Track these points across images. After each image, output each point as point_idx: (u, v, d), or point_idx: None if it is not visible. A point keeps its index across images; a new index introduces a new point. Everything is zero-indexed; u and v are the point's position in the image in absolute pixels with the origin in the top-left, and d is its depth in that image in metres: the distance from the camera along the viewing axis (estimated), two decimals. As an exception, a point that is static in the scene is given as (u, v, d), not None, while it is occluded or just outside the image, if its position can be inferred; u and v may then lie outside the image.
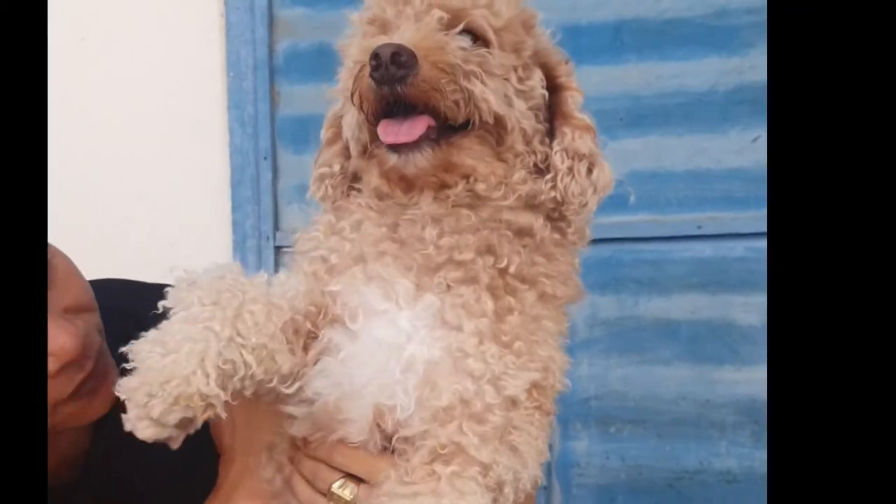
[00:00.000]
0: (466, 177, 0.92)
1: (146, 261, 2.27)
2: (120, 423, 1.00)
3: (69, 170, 2.45)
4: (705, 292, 2.22)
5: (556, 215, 0.95)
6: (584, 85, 2.24)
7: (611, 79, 2.27)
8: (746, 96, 2.18)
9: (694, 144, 2.22)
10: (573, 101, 0.97)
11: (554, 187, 0.94)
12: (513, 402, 0.88)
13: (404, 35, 0.88)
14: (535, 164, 0.95)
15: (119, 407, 1.05)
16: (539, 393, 0.91)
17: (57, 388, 0.96)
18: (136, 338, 0.87)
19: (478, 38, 0.92)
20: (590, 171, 0.95)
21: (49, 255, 0.96)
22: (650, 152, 2.25)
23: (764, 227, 2.13)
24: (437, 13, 0.91)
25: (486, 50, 0.92)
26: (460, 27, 0.91)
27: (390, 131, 0.90)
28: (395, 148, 0.90)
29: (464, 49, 0.90)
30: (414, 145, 0.90)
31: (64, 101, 2.38)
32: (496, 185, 0.92)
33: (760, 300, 2.17)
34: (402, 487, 0.85)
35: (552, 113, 0.98)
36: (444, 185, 0.93)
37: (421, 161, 0.90)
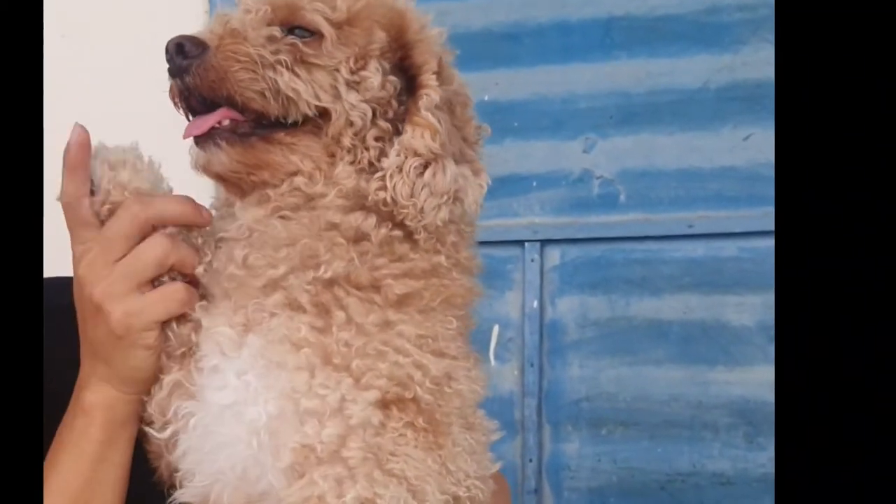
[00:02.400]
0: (293, 174, 0.89)
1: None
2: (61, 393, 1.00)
3: (54, 169, 2.45)
4: (697, 292, 2.22)
5: (398, 220, 0.89)
6: (574, 82, 2.28)
7: (601, 76, 2.27)
8: (738, 94, 2.19)
9: (685, 142, 2.23)
10: (425, 100, 0.90)
11: (383, 188, 0.87)
12: (366, 428, 0.81)
13: (206, 27, 0.89)
14: (371, 162, 0.90)
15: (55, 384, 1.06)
16: (402, 409, 0.83)
17: None
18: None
19: (314, 32, 0.90)
20: (424, 171, 0.88)
21: None
22: (641, 150, 2.25)
23: (756, 226, 2.14)
24: (262, 8, 0.89)
25: (308, 45, 0.89)
26: (294, 24, 0.90)
27: (187, 128, 0.89)
28: (196, 143, 0.89)
29: (271, 37, 0.88)
30: (208, 139, 0.88)
31: (46, 98, 2.37)
32: (319, 181, 0.89)
33: (753, 300, 2.18)
34: None
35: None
36: (268, 186, 0.90)
37: (221, 157, 0.88)
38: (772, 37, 2.13)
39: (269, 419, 0.83)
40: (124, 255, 0.89)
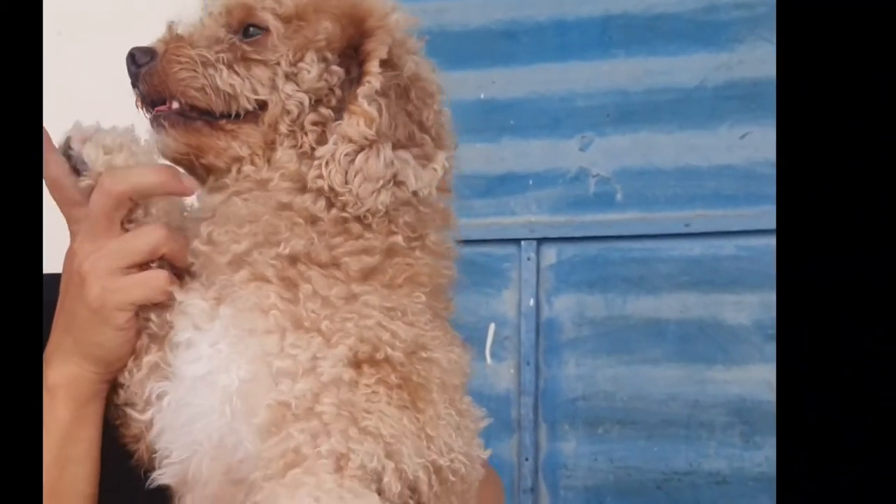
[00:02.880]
0: (238, 159, 0.93)
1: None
2: None
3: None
4: (695, 291, 2.23)
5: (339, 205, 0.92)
6: (571, 81, 2.28)
7: (599, 74, 2.28)
8: (735, 92, 2.19)
9: (683, 141, 2.23)
10: (364, 88, 0.92)
11: (321, 176, 0.90)
12: (338, 385, 0.83)
13: (160, 37, 0.95)
14: (312, 146, 0.93)
15: None
16: (374, 368, 0.85)
17: None
18: None
19: (265, 29, 0.94)
20: (355, 157, 0.91)
21: None
22: (639, 149, 2.26)
23: (754, 225, 2.15)
24: (221, 10, 0.95)
25: (257, 43, 0.93)
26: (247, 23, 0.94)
27: None
28: (152, 127, 0.95)
29: (213, 38, 0.93)
30: (155, 122, 0.94)
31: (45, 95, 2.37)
32: (263, 167, 0.93)
33: (751, 299, 2.19)
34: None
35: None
36: (219, 171, 0.94)
37: (167, 139, 0.93)
38: (770, 35, 2.13)
39: (241, 383, 0.85)
40: (111, 232, 0.93)
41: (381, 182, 0.89)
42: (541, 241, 2.32)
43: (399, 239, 0.92)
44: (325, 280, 0.88)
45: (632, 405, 2.28)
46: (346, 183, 0.89)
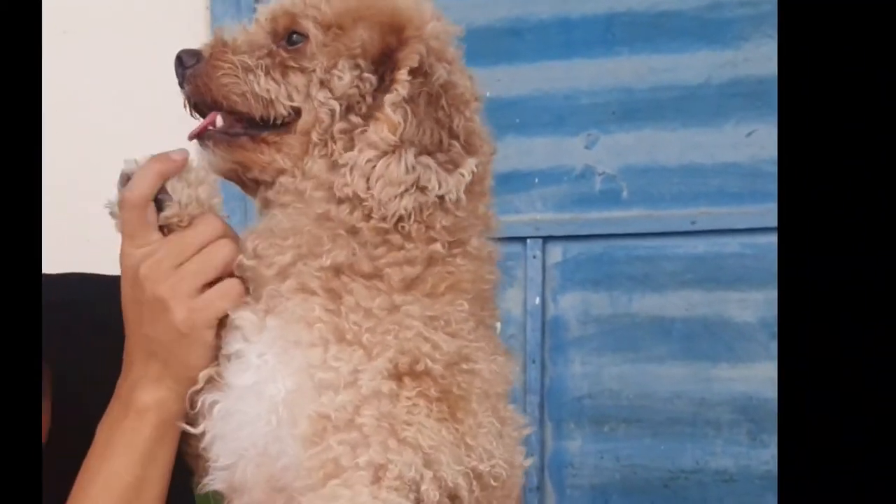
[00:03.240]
0: (282, 172, 0.96)
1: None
2: (84, 396, 1.04)
3: (55, 168, 2.45)
4: (700, 289, 2.23)
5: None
6: (576, 78, 2.28)
7: (603, 72, 2.27)
8: (741, 90, 2.19)
9: (688, 138, 2.23)
10: (390, 95, 0.94)
11: (346, 183, 0.93)
12: (378, 397, 0.86)
13: (207, 41, 0.97)
14: (341, 154, 0.95)
15: (76, 383, 1.08)
16: (415, 380, 0.87)
17: None
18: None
19: (306, 36, 0.97)
20: (377, 163, 0.93)
21: None
22: (643, 146, 2.25)
23: (759, 223, 2.14)
24: (268, 18, 0.98)
25: (295, 51, 0.96)
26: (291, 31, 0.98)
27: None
28: (199, 143, 0.98)
29: (254, 45, 0.96)
30: (201, 140, 0.98)
31: (47, 95, 2.37)
32: (298, 176, 0.95)
33: (756, 296, 2.18)
34: None
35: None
36: (266, 184, 0.97)
37: (213, 158, 0.97)
38: (774, 32, 2.13)
39: (287, 394, 0.87)
40: (149, 232, 0.95)
41: (402, 187, 0.91)
42: (546, 239, 2.32)
43: (438, 246, 0.93)
44: (368, 291, 0.90)
45: (637, 403, 2.28)
46: (368, 188, 0.91)
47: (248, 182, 0.98)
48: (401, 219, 0.92)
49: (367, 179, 0.91)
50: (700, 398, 2.23)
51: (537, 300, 2.33)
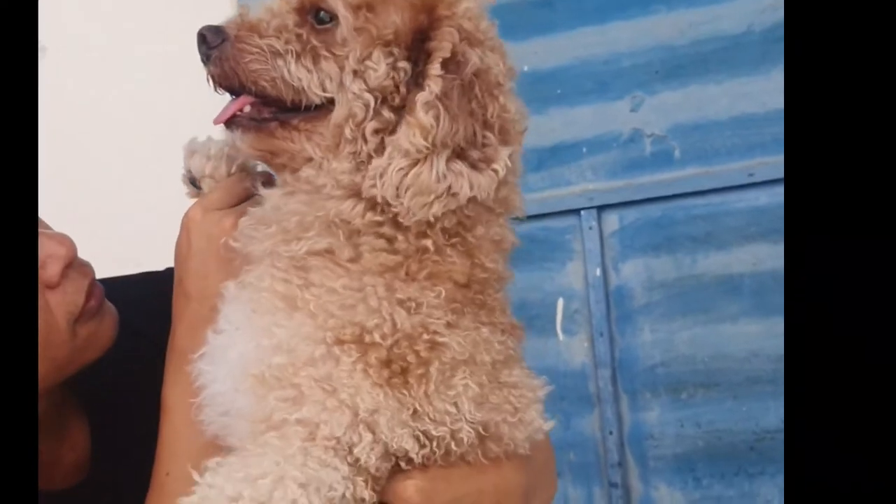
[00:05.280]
0: (309, 160, 0.95)
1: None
2: (120, 430, 1.08)
3: (82, 173, 2.55)
4: (765, 241, 2.21)
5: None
6: (614, 42, 2.28)
7: (642, 32, 2.27)
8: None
9: (736, 89, 2.21)
10: (423, 94, 0.92)
11: (375, 187, 0.92)
12: (317, 361, 0.88)
13: (231, 19, 0.96)
14: (370, 154, 0.94)
15: (114, 417, 1.12)
16: (359, 348, 0.89)
17: (69, 296, 1.01)
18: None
19: (333, 18, 0.95)
20: (409, 171, 0.92)
21: None
22: (691, 103, 2.25)
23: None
24: None
25: (326, 34, 0.94)
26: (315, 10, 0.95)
27: (219, 113, 0.97)
28: (226, 127, 0.97)
29: (283, 28, 0.94)
30: (231, 126, 0.96)
31: (78, 97, 2.46)
32: (323, 172, 0.94)
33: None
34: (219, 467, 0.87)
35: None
36: (292, 169, 0.97)
37: (241, 143, 0.97)
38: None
39: (238, 356, 0.91)
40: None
41: (432, 196, 0.91)
42: (601, 208, 2.33)
43: (429, 243, 0.94)
44: (335, 272, 0.92)
45: (714, 366, 2.27)
46: (398, 196, 0.91)
47: (275, 165, 0.99)
48: (428, 224, 0.94)
49: (397, 188, 0.91)
50: (778, 354, 2.21)
51: (598, 271, 2.33)
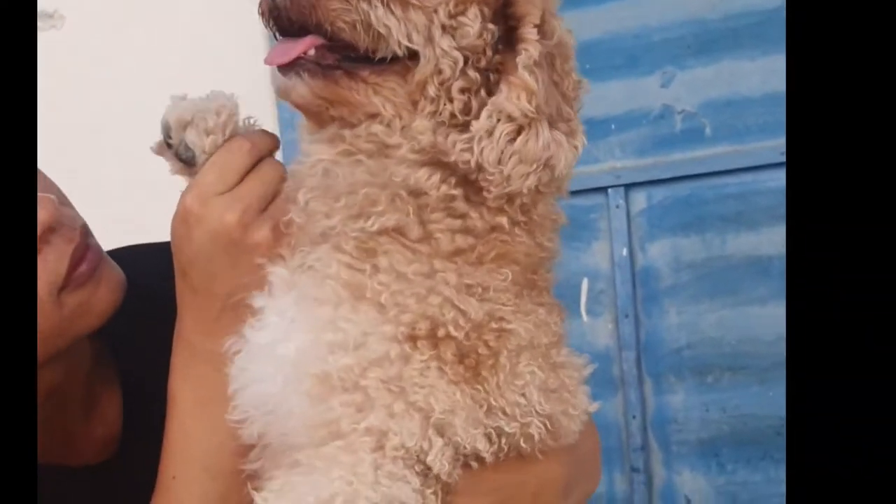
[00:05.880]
0: (373, 116, 0.88)
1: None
2: (153, 406, 1.02)
3: (109, 155, 2.54)
4: (797, 222, 2.20)
5: (473, 180, 0.89)
6: (645, 15, 2.25)
7: (673, 5, 2.24)
8: (822, 7, 2.15)
9: (768, 65, 2.18)
10: (524, 55, 0.87)
11: (470, 150, 0.87)
12: (387, 361, 0.84)
13: None
14: (453, 115, 0.89)
15: (146, 391, 1.07)
16: (432, 344, 0.85)
17: (50, 264, 0.95)
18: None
19: None
20: (516, 137, 0.87)
21: None
22: (723, 79, 2.22)
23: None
24: None
25: None
26: None
27: (271, 52, 0.88)
28: (280, 70, 0.89)
29: None
30: (291, 69, 0.88)
31: (106, 81, 2.45)
32: (397, 131, 0.88)
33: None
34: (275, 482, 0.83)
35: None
36: (346, 122, 0.90)
37: (301, 88, 0.88)
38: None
39: (296, 353, 0.85)
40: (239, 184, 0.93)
41: (535, 165, 0.86)
42: (628, 186, 2.30)
43: (504, 220, 0.90)
44: (405, 256, 0.87)
45: (741, 349, 2.25)
46: (500, 163, 0.86)
47: (325, 116, 0.91)
48: (509, 199, 0.89)
49: (501, 153, 0.86)
50: (807, 338, 2.20)
51: (625, 251, 2.31)
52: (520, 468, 0.90)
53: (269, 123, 2.41)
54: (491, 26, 0.89)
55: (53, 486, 1.02)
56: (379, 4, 0.85)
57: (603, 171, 2.31)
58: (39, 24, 2.57)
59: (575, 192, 2.33)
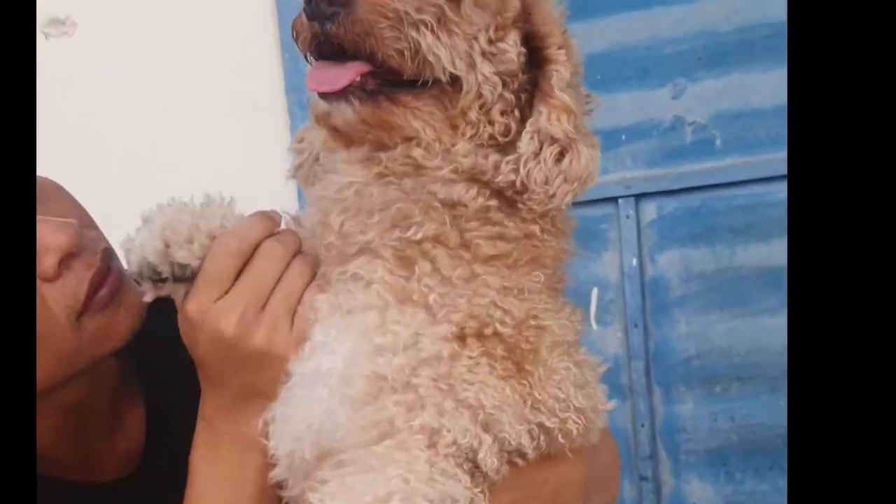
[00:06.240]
0: (409, 139, 0.89)
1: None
2: (176, 421, 1.04)
3: (119, 160, 2.55)
4: (807, 234, 2.20)
5: (510, 195, 0.91)
6: (656, 27, 2.26)
7: (686, 16, 2.25)
8: (834, 21, 2.15)
9: (781, 78, 2.17)
10: (557, 77, 0.90)
11: (515, 171, 0.89)
12: (438, 360, 0.85)
13: None
14: (492, 136, 0.91)
15: (169, 407, 1.09)
16: (480, 341, 0.87)
17: (68, 289, 0.95)
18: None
19: None
20: (560, 157, 0.90)
21: (39, 183, 0.97)
22: (734, 91, 2.22)
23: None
24: None
25: (446, 5, 0.88)
26: None
27: (315, 76, 0.87)
28: (323, 95, 0.88)
29: None
30: (340, 95, 0.87)
31: (116, 86, 2.48)
32: (437, 154, 0.90)
33: (867, 239, 2.15)
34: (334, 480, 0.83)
35: (532, 88, 0.93)
36: (382, 145, 0.90)
37: (348, 114, 0.88)
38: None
39: (343, 360, 0.86)
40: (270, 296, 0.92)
41: (576, 184, 0.89)
42: (639, 196, 2.31)
43: (537, 229, 0.92)
44: (450, 260, 0.89)
45: (750, 360, 2.25)
46: (546, 183, 0.89)
47: (357, 139, 0.91)
48: (549, 211, 0.92)
49: (547, 174, 0.89)
50: (816, 349, 2.20)
51: (634, 261, 2.32)
52: (543, 467, 0.91)
53: (280, 119, 2.44)
54: (522, 49, 0.91)
55: (74, 502, 1.04)
56: (428, 33, 0.86)
57: (613, 182, 2.32)
58: (51, 30, 2.59)
59: (585, 202, 2.36)
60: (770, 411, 2.25)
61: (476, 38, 0.89)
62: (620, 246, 2.33)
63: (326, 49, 0.87)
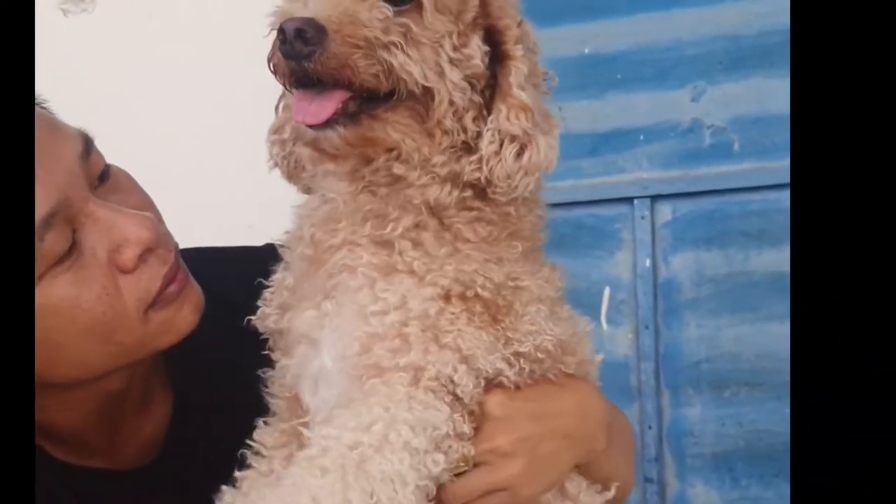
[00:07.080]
0: (390, 150, 0.93)
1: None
2: (199, 412, 1.10)
3: (143, 156, 2.55)
4: (820, 242, 2.20)
5: (480, 187, 0.97)
6: (678, 29, 2.26)
7: (706, 21, 2.25)
8: (856, 28, 2.15)
9: (800, 84, 2.20)
10: (514, 74, 0.94)
11: (479, 169, 0.94)
12: (426, 317, 0.91)
13: (316, 6, 0.88)
14: (465, 142, 0.95)
15: (196, 397, 1.13)
16: (462, 301, 0.92)
17: (143, 283, 0.98)
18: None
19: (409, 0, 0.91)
20: (520, 153, 0.94)
21: (110, 169, 1.02)
22: (753, 95, 2.23)
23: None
24: None
25: (409, 18, 0.91)
26: None
27: (300, 108, 0.90)
28: (316, 130, 0.92)
29: (384, 17, 0.89)
30: (325, 125, 0.90)
31: (138, 83, 2.50)
32: (416, 165, 0.94)
33: (882, 248, 2.15)
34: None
35: (494, 82, 0.97)
36: (366, 158, 0.95)
37: (335, 140, 0.91)
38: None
39: (344, 324, 0.93)
40: None
41: (537, 174, 0.95)
42: (654, 198, 2.32)
43: (512, 210, 0.97)
44: (435, 240, 0.95)
45: (759, 365, 2.26)
46: (508, 177, 0.94)
47: (344, 156, 0.95)
48: (516, 198, 0.97)
49: (509, 170, 0.94)
50: (826, 357, 2.20)
51: (647, 262, 2.33)
52: (554, 395, 0.99)
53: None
54: (486, 47, 0.95)
55: (96, 488, 1.06)
56: (398, 52, 0.89)
57: (629, 182, 2.33)
58: (71, 7, 2.60)
59: (599, 202, 2.37)
60: (777, 418, 2.25)
61: (442, 46, 0.92)
62: (634, 246, 2.34)
63: (306, 82, 0.90)
